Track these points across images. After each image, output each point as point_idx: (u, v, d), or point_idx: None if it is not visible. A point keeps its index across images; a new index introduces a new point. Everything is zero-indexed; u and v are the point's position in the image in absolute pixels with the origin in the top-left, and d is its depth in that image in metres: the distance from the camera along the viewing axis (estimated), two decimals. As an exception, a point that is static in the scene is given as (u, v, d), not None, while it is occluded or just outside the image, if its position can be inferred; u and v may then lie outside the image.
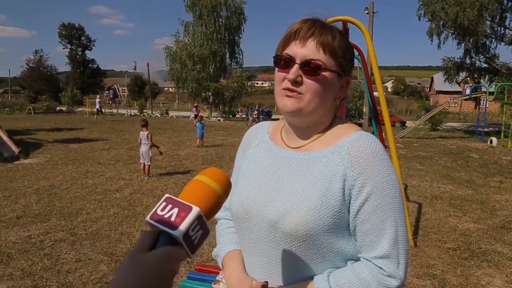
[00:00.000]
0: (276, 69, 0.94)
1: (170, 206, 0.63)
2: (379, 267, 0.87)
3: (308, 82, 0.90)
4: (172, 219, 0.61)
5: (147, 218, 0.63)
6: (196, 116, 22.39)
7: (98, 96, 29.94)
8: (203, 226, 0.64)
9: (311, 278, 0.91)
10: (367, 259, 0.90)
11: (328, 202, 0.88)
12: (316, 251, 0.89)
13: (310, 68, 0.89)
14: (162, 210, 0.63)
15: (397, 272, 0.87)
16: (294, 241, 0.89)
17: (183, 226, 0.60)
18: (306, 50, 0.90)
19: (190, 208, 0.62)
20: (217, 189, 0.69)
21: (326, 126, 0.99)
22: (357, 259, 0.93)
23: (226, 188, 0.71)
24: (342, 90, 0.97)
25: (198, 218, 0.62)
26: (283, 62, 0.92)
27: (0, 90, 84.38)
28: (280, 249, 0.92)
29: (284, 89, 0.92)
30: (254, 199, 0.97)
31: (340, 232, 0.90)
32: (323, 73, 0.90)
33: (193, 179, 0.71)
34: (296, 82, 0.90)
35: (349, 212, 0.90)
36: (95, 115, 26.23)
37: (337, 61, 0.92)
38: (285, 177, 0.95)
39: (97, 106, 26.77)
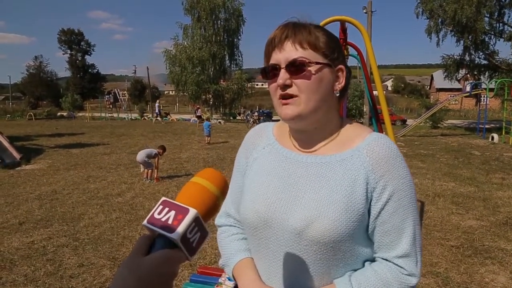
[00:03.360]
0: (268, 82, 0.93)
1: (167, 209, 0.63)
2: (399, 266, 0.88)
3: (297, 82, 0.88)
4: (169, 222, 0.61)
5: (144, 222, 0.62)
6: (199, 117, 22.88)
7: (158, 101, 31.50)
8: (201, 228, 0.63)
9: (331, 283, 0.91)
10: (386, 259, 0.90)
11: (353, 207, 0.87)
12: (340, 257, 0.88)
13: (295, 67, 0.88)
14: (159, 213, 0.62)
15: (416, 270, 0.89)
16: (320, 249, 0.87)
17: (180, 229, 0.60)
18: (286, 52, 0.89)
19: (187, 211, 0.62)
20: (214, 191, 0.69)
21: (335, 127, 0.97)
22: (372, 260, 0.93)
23: (223, 189, 0.71)
24: (338, 81, 0.94)
25: (196, 220, 0.62)
26: (271, 71, 0.91)
27: (1, 97, 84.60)
28: (304, 257, 0.89)
29: (280, 98, 0.91)
30: (273, 207, 0.93)
31: (361, 235, 0.90)
32: (309, 68, 0.88)
33: (189, 181, 0.71)
34: (286, 86, 0.89)
35: (369, 214, 0.90)
36: (154, 118, 27.98)
37: (320, 53, 0.89)
38: (303, 182, 0.92)
39: (157, 110, 28.58)
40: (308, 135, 0.97)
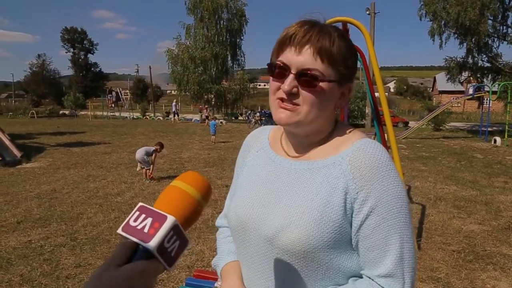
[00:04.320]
0: (271, 77, 0.88)
1: (143, 216, 0.58)
2: (382, 286, 0.82)
3: (304, 94, 0.83)
4: (145, 230, 0.56)
5: (119, 230, 0.58)
6: (207, 117, 23.34)
7: (175, 100, 31.57)
8: (180, 236, 0.59)
9: None
10: (369, 277, 0.84)
11: (328, 217, 0.82)
12: (315, 268, 0.84)
13: (306, 79, 0.82)
14: (135, 220, 0.58)
15: None
16: (292, 258, 0.84)
17: (156, 238, 0.56)
18: (303, 58, 0.82)
19: (165, 218, 0.58)
20: (195, 195, 0.64)
21: (328, 133, 0.93)
22: (360, 276, 0.88)
23: (206, 194, 0.66)
24: (342, 98, 0.90)
25: (174, 228, 0.58)
26: (278, 71, 0.85)
27: (4, 95, 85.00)
28: (278, 265, 0.86)
29: (279, 99, 0.86)
30: (251, 211, 0.92)
31: (342, 248, 0.85)
32: (321, 84, 0.83)
33: (169, 185, 0.66)
34: (292, 94, 0.83)
35: (351, 226, 0.84)
36: (172, 118, 28.19)
37: (336, 69, 0.84)
38: (284, 188, 0.90)
39: (173, 109, 28.73)
40: (298, 140, 0.94)
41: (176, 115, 28.46)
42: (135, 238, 0.56)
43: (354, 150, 0.86)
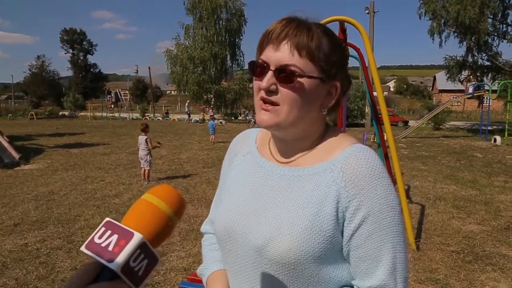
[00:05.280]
0: (254, 78, 0.85)
1: (109, 232, 0.54)
2: None
3: (283, 91, 0.80)
4: (110, 248, 0.53)
5: (82, 247, 0.54)
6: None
7: (188, 101, 31.18)
8: (149, 254, 0.55)
9: None
10: None
11: (319, 227, 0.79)
12: (306, 280, 0.81)
13: (284, 74, 0.79)
14: (100, 237, 0.54)
15: None
16: (281, 269, 0.80)
17: (121, 257, 0.52)
18: (280, 54, 0.80)
19: (131, 235, 0.54)
20: (166, 211, 0.60)
21: (318, 137, 0.89)
22: (351, 286, 0.85)
23: (178, 209, 0.62)
24: (329, 98, 0.86)
25: (141, 246, 0.54)
26: (259, 69, 0.83)
27: (3, 96, 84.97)
28: (267, 276, 0.83)
29: (261, 100, 0.83)
30: (238, 220, 0.88)
31: (333, 258, 0.82)
32: (300, 79, 0.79)
33: (140, 199, 0.62)
34: (271, 91, 0.81)
35: (342, 235, 0.81)
36: (187, 119, 28.59)
37: (317, 65, 0.80)
38: (272, 196, 0.86)
39: (186, 110, 29.13)
40: (286, 145, 0.91)
41: (188, 116, 28.71)
42: (98, 256, 0.52)
43: (346, 156, 0.82)
